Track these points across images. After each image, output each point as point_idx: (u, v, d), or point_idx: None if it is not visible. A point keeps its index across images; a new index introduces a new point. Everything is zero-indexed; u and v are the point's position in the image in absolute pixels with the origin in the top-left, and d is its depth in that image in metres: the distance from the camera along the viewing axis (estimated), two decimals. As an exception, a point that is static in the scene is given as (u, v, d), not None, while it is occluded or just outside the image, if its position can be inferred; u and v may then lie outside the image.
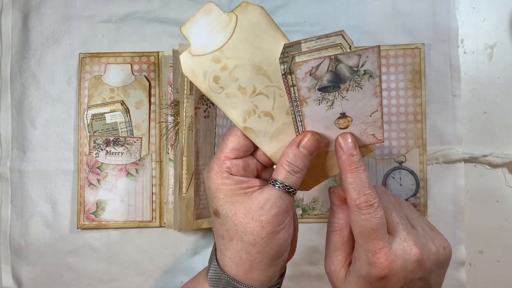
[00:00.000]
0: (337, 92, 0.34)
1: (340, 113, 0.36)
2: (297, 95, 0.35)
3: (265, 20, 0.35)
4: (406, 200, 0.56)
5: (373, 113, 0.36)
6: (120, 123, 0.59)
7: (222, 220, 0.37)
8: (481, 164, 0.57)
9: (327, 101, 0.35)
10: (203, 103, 0.53)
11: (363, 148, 0.38)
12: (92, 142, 0.59)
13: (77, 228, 0.58)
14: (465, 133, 0.57)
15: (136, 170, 0.59)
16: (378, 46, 0.32)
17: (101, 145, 0.59)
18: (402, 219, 0.38)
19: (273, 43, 0.35)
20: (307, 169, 0.37)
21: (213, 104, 0.53)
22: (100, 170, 0.58)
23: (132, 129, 0.59)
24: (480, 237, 0.57)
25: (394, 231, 0.37)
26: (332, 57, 0.32)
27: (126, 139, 0.59)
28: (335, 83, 0.34)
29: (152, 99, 0.59)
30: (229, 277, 0.37)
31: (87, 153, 0.58)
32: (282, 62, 0.34)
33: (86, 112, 0.59)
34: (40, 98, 0.60)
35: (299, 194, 0.58)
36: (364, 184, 0.36)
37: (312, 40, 0.33)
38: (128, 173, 0.59)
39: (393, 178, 0.57)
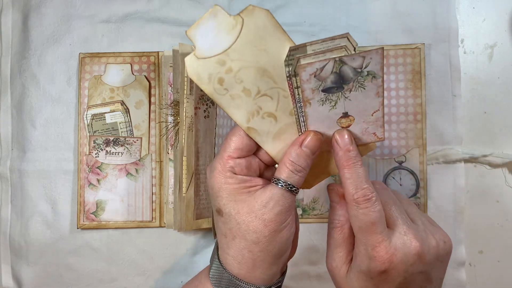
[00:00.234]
0: (340, 93, 0.35)
1: (343, 113, 0.36)
2: (301, 96, 0.35)
3: (271, 23, 0.35)
4: (406, 200, 0.57)
5: (374, 112, 0.36)
6: (120, 123, 0.59)
7: (225, 218, 0.37)
8: (481, 164, 0.58)
9: (330, 102, 0.35)
10: (203, 103, 0.53)
11: (364, 146, 0.38)
12: (92, 142, 0.58)
13: (77, 228, 0.58)
14: (465, 133, 0.58)
15: (136, 170, 0.59)
16: (382, 48, 0.32)
17: (101, 145, 0.58)
18: (402, 213, 0.38)
19: (279, 46, 0.35)
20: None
21: (213, 104, 0.53)
22: (100, 170, 0.58)
23: (132, 129, 0.59)
24: (480, 237, 0.57)
25: (394, 225, 0.37)
26: (337, 59, 0.33)
27: (126, 139, 0.59)
28: (338, 84, 0.34)
29: (152, 99, 0.59)
30: (231, 276, 0.37)
31: (87, 153, 0.58)
32: (287, 65, 0.34)
33: (86, 112, 0.59)
34: (40, 98, 0.60)
35: (299, 194, 0.58)
36: (361, 179, 0.36)
37: (317, 43, 0.33)
38: (128, 173, 0.58)
39: (393, 178, 0.57)
